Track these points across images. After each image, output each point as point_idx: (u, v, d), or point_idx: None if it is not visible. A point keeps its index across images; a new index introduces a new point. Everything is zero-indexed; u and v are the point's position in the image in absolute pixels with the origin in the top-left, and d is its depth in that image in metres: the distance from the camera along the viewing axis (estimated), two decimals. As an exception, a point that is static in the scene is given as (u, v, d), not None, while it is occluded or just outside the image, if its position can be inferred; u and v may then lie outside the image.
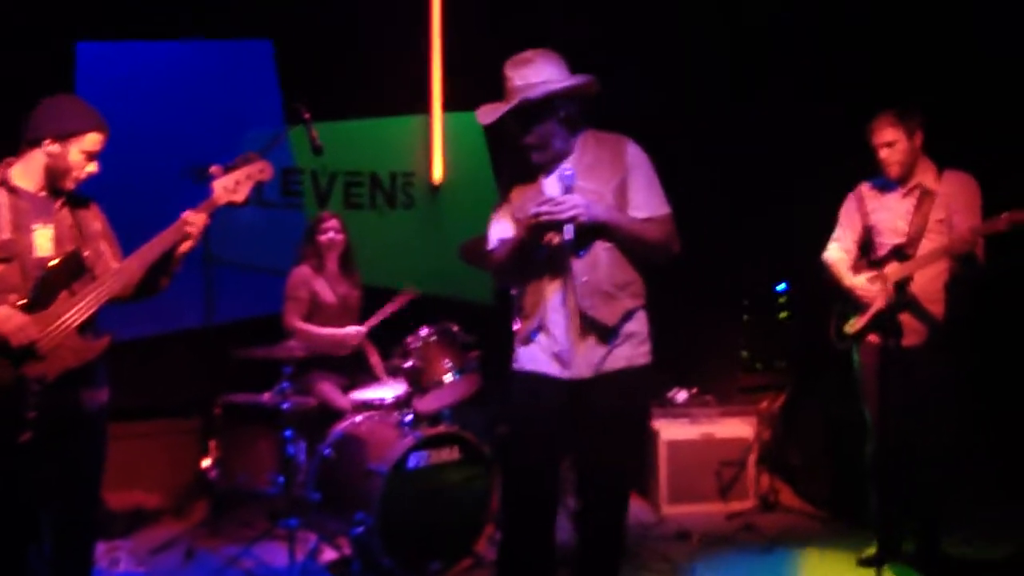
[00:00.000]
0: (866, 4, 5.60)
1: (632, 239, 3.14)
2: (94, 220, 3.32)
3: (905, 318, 4.10)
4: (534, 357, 3.23)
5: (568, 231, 3.01)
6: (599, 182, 3.15)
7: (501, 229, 3.29)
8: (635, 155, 3.22)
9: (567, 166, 3.11)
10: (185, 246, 3.27)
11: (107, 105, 5.41)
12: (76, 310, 3.06)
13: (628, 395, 3.19)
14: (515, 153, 3.26)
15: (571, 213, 2.99)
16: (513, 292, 3.39)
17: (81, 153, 3.17)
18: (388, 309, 5.11)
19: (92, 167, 3.22)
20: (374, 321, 5.07)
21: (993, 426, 5.21)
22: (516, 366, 3.30)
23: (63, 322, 3.03)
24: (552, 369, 3.19)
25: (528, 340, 3.24)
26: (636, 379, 3.20)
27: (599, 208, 3.07)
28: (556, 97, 3.10)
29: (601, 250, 3.13)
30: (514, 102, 3.06)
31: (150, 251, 3.19)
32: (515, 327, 3.37)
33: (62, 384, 3.03)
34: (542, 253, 3.15)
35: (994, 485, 5.15)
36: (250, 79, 5.82)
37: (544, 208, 2.99)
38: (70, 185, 3.19)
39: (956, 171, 4.17)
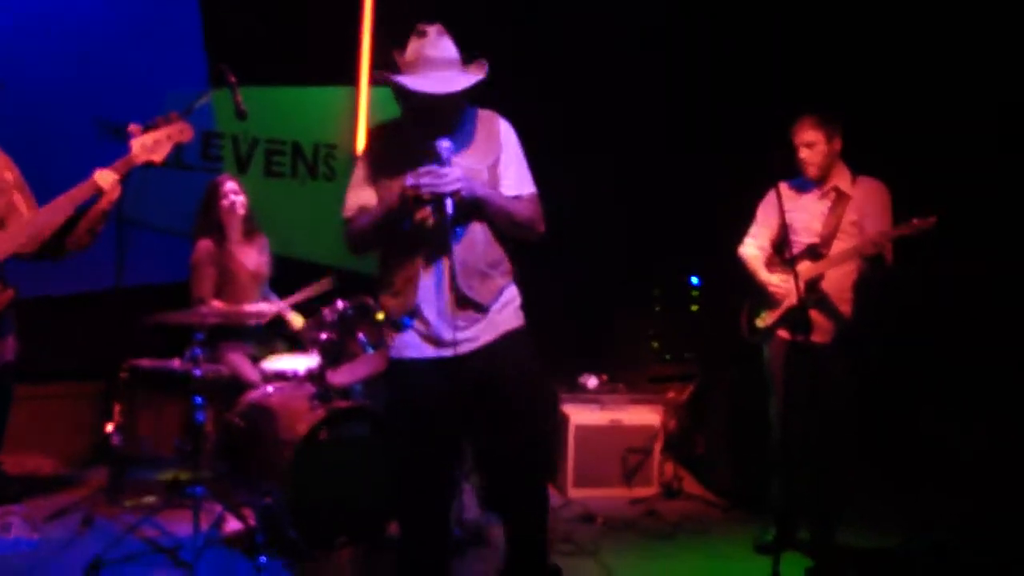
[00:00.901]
0: (782, 11, 5.76)
1: (505, 217, 3.13)
2: (3, 170, 3.22)
3: (815, 315, 4.25)
4: (410, 343, 3.19)
5: (449, 205, 2.92)
6: (476, 159, 3.13)
7: (362, 196, 3.19)
8: (507, 133, 3.22)
9: (445, 140, 3.00)
10: (101, 204, 3.18)
11: (20, 51, 5.31)
12: None
13: (513, 356, 3.18)
14: (389, 118, 3.23)
15: (454, 187, 2.93)
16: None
17: None
18: (305, 294, 4.96)
19: None
20: (291, 301, 4.97)
21: (887, 421, 5.42)
22: (393, 354, 3.25)
23: None
24: (430, 352, 3.16)
25: (400, 326, 3.20)
26: (515, 341, 3.20)
27: (477, 184, 3.05)
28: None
29: (477, 229, 3.11)
30: (477, 76, 3.02)
31: (59, 207, 3.12)
32: (382, 300, 3.28)
33: None
34: (409, 225, 3.07)
35: (885, 477, 5.37)
36: (174, 37, 5.69)
37: (425, 180, 2.91)
38: None
39: (869, 178, 4.35)
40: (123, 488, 4.78)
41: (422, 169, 2.94)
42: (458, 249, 3.06)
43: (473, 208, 3.05)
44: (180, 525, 4.41)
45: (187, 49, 5.68)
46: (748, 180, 4.63)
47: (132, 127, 3.33)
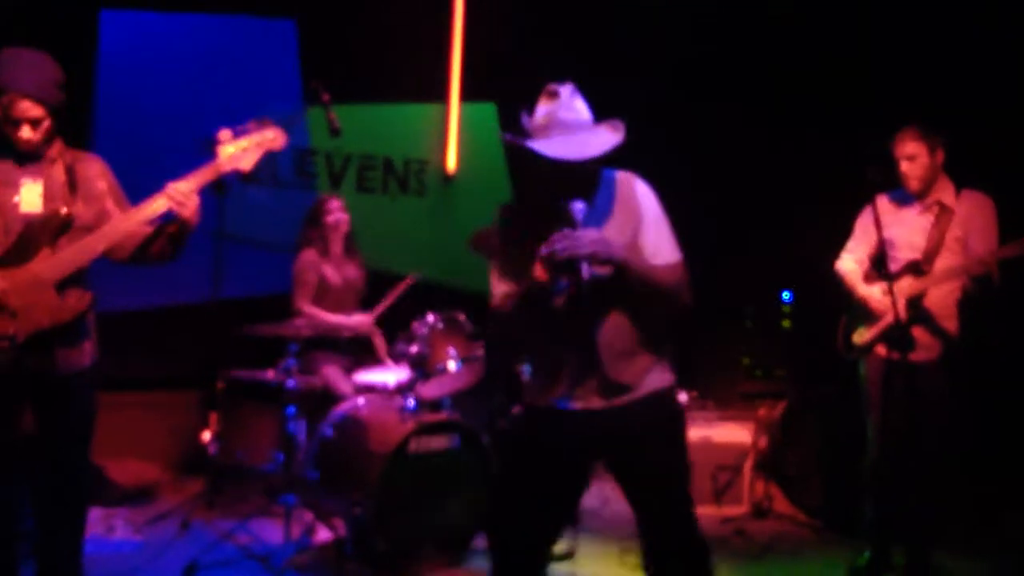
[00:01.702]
0: (880, 27, 5.64)
1: (648, 285, 2.81)
2: (98, 179, 3.23)
3: (916, 332, 4.15)
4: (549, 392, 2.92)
5: (585, 270, 2.64)
6: (615, 230, 2.83)
7: (504, 286, 2.90)
8: (645, 196, 2.93)
9: (578, 202, 2.75)
10: (184, 217, 3.13)
11: (127, 75, 5.53)
12: (51, 267, 3.00)
13: (656, 417, 2.90)
14: (519, 200, 2.99)
15: (590, 248, 2.64)
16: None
17: (10, 112, 3.02)
18: (392, 296, 5.12)
19: (26, 132, 3.06)
20: (380, 309, 5.09)
21: (988, 441, 5.24)
22: (527, 399, 3.05)
23: (36, 278, 2.98)
24: (567, 405, 2.89)
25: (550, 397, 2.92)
26: (660, 400, 2.92)
27: (616, 245, 2.72)
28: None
29: (620, 307, 2.83)
30: (618, 138, 2.77)
31: (133, 215, 3.10)
32: (527, 385, 3.08)
33: (33, 344, 2.96)
34: (553, 301, 2.79)
35: (984, 500, 5.18)
36: (271, 57, 5.85)
37: (560, 245, 2.62)
38: (19, 144, 3.07)
39: (974, 191, 4.22)
40: (219, 495, 4.93)
41: (556, 235, 2.66)
42: (602, 331, 2.82)
43: (613, 285, 2.75)
44: (272, 532, 4.52)
45: (283, 68, 5.84)
46: (844, 193, 4.55)
47: (221, 133, 3.26)
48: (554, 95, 2.81)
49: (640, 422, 2.88)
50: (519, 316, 2.84)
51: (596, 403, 2.85)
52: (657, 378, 2.92)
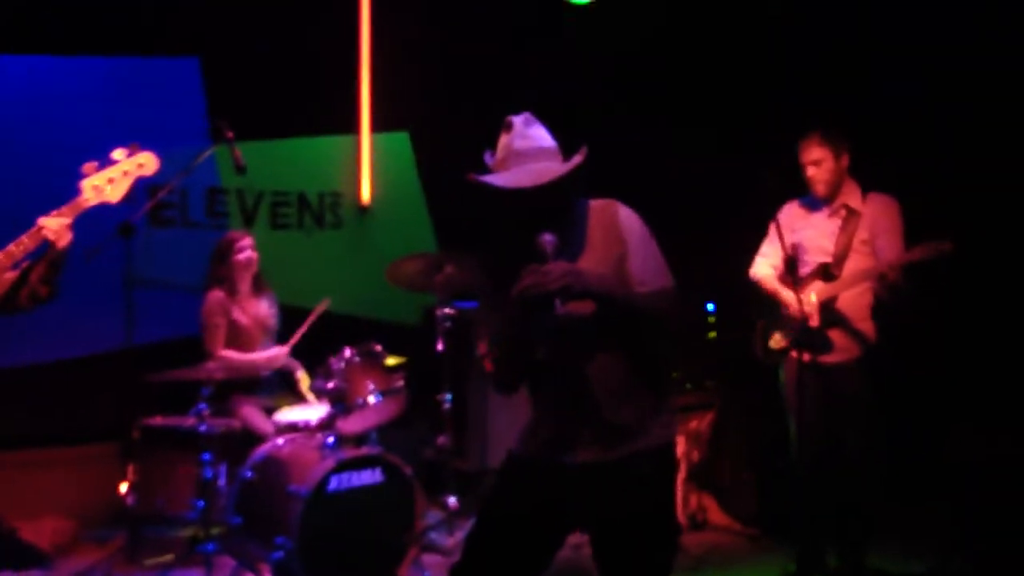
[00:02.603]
0: (791, 33, 5.73)
1: (636, 315, 2.63)
2: None
3: (833, 335, 4.20)
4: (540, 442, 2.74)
5: (558, 305, 2.46)
6: (595, 260, 2.66)
7: (493, 328, 2.75)
8: (629, 221, 2.74)
9: (547, 235, 2.56)
10: (50, 253, 3.00)
11: (29, 119, 5.40)
12: None
13: (649, 479, 2.66)
14: (493, 241, 2.81)
15: (561, 281, 2.46)
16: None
17: None
18: (305, 325, 5.00)
19: None
20: (294, 340, 4.99)
21: (913, 441, 5.30)
22: (513, 447, 2.81)
23: None
24: (557, 457, 2.69)
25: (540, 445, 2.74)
26: (658, 460, 2.69)
27: (592, 276, 2.55)
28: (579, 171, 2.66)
29: (612, 344, 2.65)
30: (571, 164, 2.62)
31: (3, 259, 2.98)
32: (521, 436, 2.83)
33: None
34: (538, 339, 2.64)
35: (916, 500, 5.23)
36: (176, 97, 5.75)
37: (529, 280, 2.47)
38: None
39: (880, 193, 4.30)
40: (141, 547, 4.77)
41: (525, 271, 2.50)
42: (595, 371, 2.63)
43: (598, 313, 2.59)
44: (196, 583, 4.39)
45: (189, 107, 5.75)
46: (759, 200, 4.59)
47: (86, 166, 3.08)
48: (509, 127, 2.69)
49: (638, 481, 2.63)
50: (507, 360, 2.69)
51: (594, 455, 2.63)
52: (661, 428, 2.69)
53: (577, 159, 2.63)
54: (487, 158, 2.73)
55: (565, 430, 2.66)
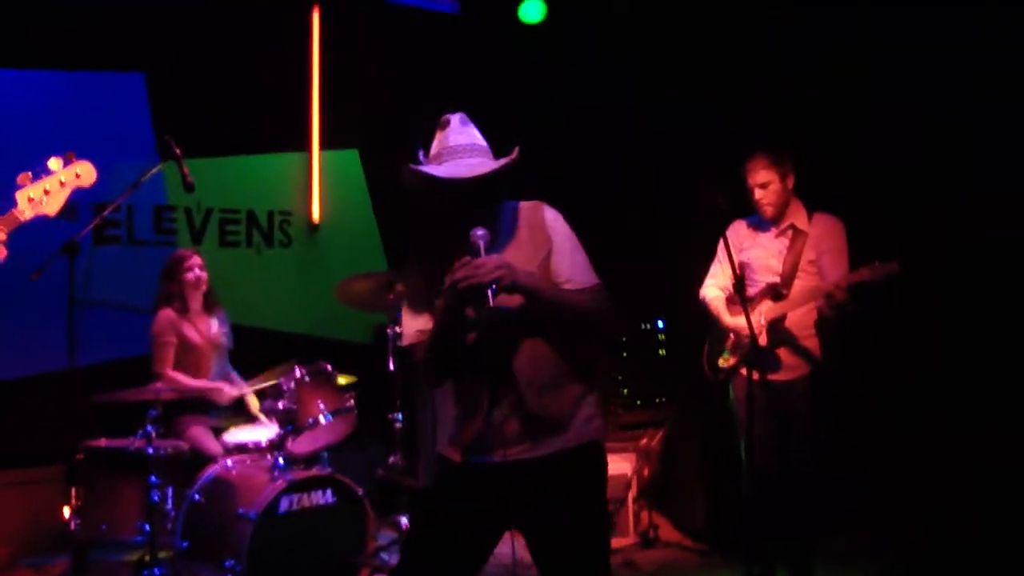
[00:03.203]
0: (728, 51, 5.81)
1: (563, 311, 2.69)
2: None
3: (781, 353, 4.27)
4: (467, 444, 2.78)
5: (490, 297, 2.53)
6: (522, 258, 2.72)
7: (418, 320, 2.82)
8: (554, 222, 2.82)
9: (479, 229, 2.64)
10: None
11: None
12: None
13: (578, 475, 2.73)
14: (422, 231, 2.87)
15: (494, 275, 2.52)
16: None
17: None
18: (267, 380, 4.83)
19: None
20: (250, 388, 4.92)
21: (862, 455, 5.37)
22: (439, 448, 2.87)
23: None
24: (484, 457, 2.74)
25: (468, 444, 2.77)
26: (584, 456, 2.74)
27: (522, 272, 2.61)
28: (508, 169, 2.74)
29: (537, 338, 2.70)
30: (506, 160, 2.70)
31: None
32: (442, 441, 2.88)
33: None
34: (466, 331, 2.70)
35: (861, 515, 5.30)
36: (122, 112, 5.65)
37: (461, 272, 2.54)
38: None
39: (825, 214, 4.37)
40: (85, 573, 4.65)
41: (457, 264, 2.57)
42: (520, 364, 2.68)
43: (524, 307, 2.64)
44: (143, 608, 4.29)
45: (135, 123, 5.66)
46: (707, 218, 4.64)
47: (20, 177, 2.92)
48: (444, 124, 2.78)
49: (568, 478, 2.69)
50: (435, 353, 2.73)
51: (520, 451, 2.68)
52: (587, 422, 2.75)
53: (511, 157, 2.72)
54: (419, 155, 2.80)
55: (491, 425, 2.70)
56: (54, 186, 3.00)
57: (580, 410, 2.74)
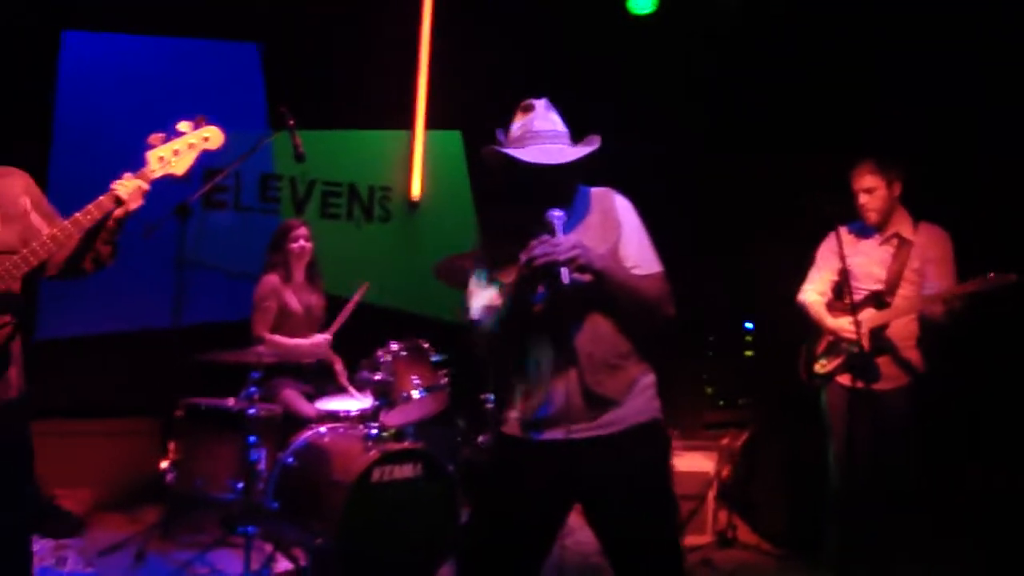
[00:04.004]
0: (835, 56, 5.72)
1: (630, 294, 2.75)
2: (19, 196, 2.99)
3: (881, 362, 4.21)
4: (526, 421, 2.81)
5: (565, 275, 2.60)
6: (592, 240, 2.77)
7: (484, 296, 2.87)
8: (624, 210, 2.90)
9: (556, 210, 2.72)
10: (117, 212, 2.96)
11: (89, 96, 5.46)
12: None
13: (641, 452, 2.77)
14: (497, 213, 2.93)
15: (569, 253, 2.60)
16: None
17: None
18: (346, 310, 5.03)
19: None
20: (336, 327, 5.03)
21: (946, 471, 5.28)
22: (504, 428, 2.88)
23: None
24: (545, 433, 2.78)
25: (529, 420, 2.81)
26: (646, 435, 2.78)
27: (595, 254, 2.69)
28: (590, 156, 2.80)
29: (600, 317, 2.77)
30: (589, 147, 2.77)
31: (74, 224, 2.87)
32: (504, 414, 2.91)
33: None
34: (533, 309, 2.75)
35: (942, 527, 5.21)
36: (236, 81, 5.80)
37: (539, 250, 2.61)
38: None
39: (931, 224, 4.31)
40: (177, 525, 4.81)
41: (535, 242, 2.64)
42: (582, 341, 2.74)
43: (594, 287, 2.69)
44: (231, 564, 4.42)
45: (249, 92, 5.80)
46: (801, 221, 4.59)
47: (152, 137, 3.06)
48: (529, 108, 2.83)
49: (630, 456, 2.74)
50: (503, 327, 2.78)
51: (581, 429, 2.72)
52: (644, 402, 2.81)
53: (594, 145, 2.78)
54: (499, 135, 2.86)
55: (551, 402, 2.75)
56: (183, 147, 3.10)
57: (638, 390, 2.80)
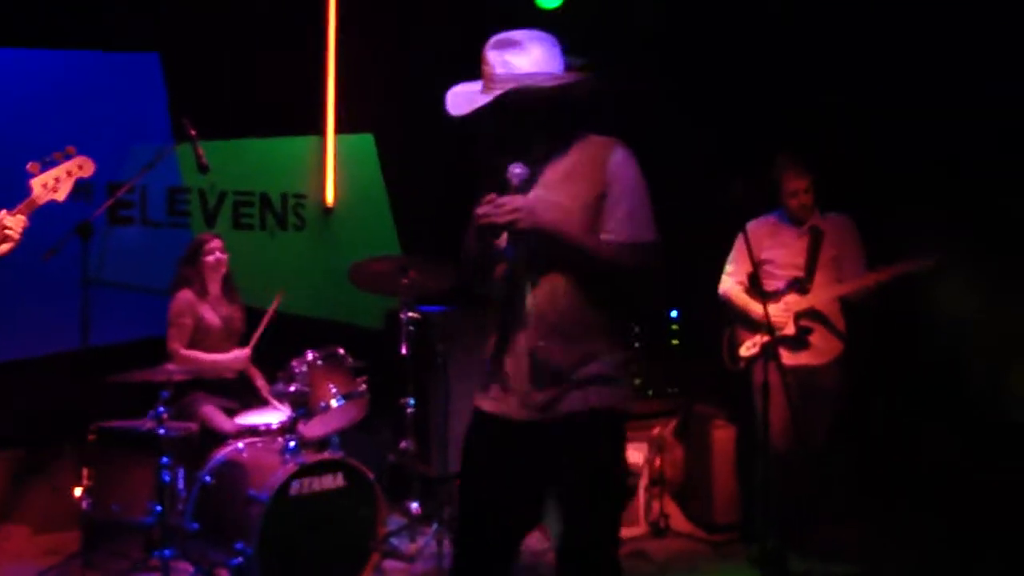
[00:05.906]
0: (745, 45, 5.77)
1: (592, 262, 2.57)
2: None
3: (812, 338, 4.45)
4: (492, 394, 2.69)
5: (503, 239, 2.56)
6: (566, 196, 2.61)
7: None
8: (619, 166, 2.66)
9: (518, 166, 2.58)
10: (3, 249, 3.11)
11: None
12: None
13: (583, 442, 2.60)
14: (493, 148, 2.74)
15: (509, 217, 2.49)
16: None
17: None
18: (264, 321, 4.95)
19: None
20: (255, 339, 4.94)
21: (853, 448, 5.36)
22: (475, 400, 2.78)
23: None
24: (504, 408, 2.65)
25: (487, 377, 2.72)
26: (595, 423, 2.60)
27: (547, 215, 2.53)
28: (543, 94, 2.61)
29: (562, 281, 2.59)
30: (491, 95, 2.58)
31: None
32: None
33: None
34: (496, 263, 2.68)
35: (849, 503, 5.27)
36: (137, 93, 5.64)
37: (483, 210, 2.52)
38: None
39: (838, 214, 4.59)
40: (98, 553, 4.66)
41: (485, 198, 2.55)
42: (535, 300, 2.59)
43: (552, 254, 2.57)
44: (153, 589, 4.30)
45: (150, 104, 5.64)
46: (721, 209, 4.61)
47: (30, 165, 3.25)
48: (499, 46, 2.66)
49: (575, 441, 2.59)
50: (465, 267, 2.75)
51: (516, 407, 2.60)
52: (595, 388, 2.60)
53: (487, 98, 2.59)
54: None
55: (501, 370, 2.64)
56: (62, 175, 3.28)
57: (592, 371, 2.59)
